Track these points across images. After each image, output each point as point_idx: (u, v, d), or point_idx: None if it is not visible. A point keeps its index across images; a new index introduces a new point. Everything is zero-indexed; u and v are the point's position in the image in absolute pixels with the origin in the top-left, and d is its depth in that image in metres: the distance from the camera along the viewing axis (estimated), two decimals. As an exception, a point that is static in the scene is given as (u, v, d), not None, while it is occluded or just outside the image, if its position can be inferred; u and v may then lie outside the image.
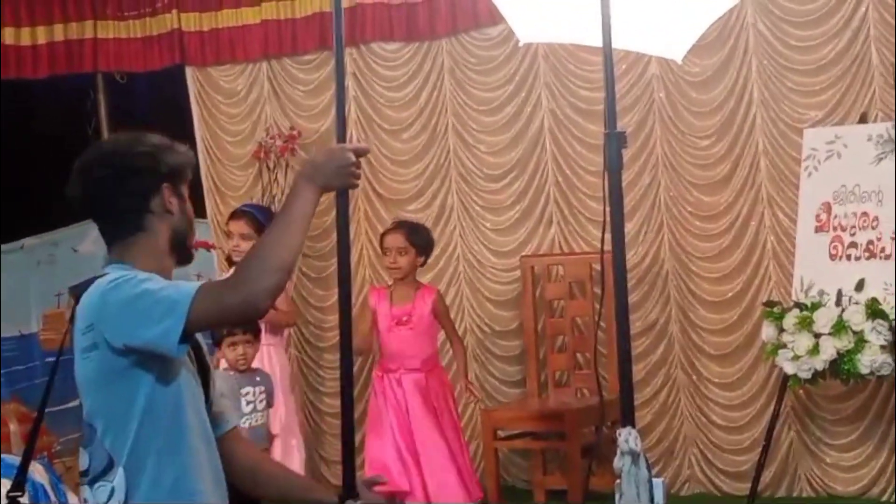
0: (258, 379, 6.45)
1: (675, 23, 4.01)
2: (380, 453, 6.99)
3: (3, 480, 7.32)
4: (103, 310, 3.20)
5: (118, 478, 3.26)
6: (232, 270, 7.11)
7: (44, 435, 8.60)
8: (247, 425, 6.27)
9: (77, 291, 3.32)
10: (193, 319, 3.11)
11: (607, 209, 3.79)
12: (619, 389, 3.78)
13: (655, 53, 4.36)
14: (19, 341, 8.70)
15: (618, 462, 3.77)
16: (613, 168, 3.70)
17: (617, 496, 3.83)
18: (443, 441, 6.88)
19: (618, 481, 3.82)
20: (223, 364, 6.55)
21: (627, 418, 3.79)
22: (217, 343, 6.37)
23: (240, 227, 7.17)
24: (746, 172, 7.36)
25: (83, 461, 3.32)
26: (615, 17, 3.75)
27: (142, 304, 3.16)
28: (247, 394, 6.30)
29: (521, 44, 4.66)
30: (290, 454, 7.12)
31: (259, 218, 7.29)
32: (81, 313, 3.27)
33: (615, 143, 3.69)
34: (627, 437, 3.74)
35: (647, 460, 3.77)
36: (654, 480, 3.78)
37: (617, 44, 3.78)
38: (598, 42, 3.79)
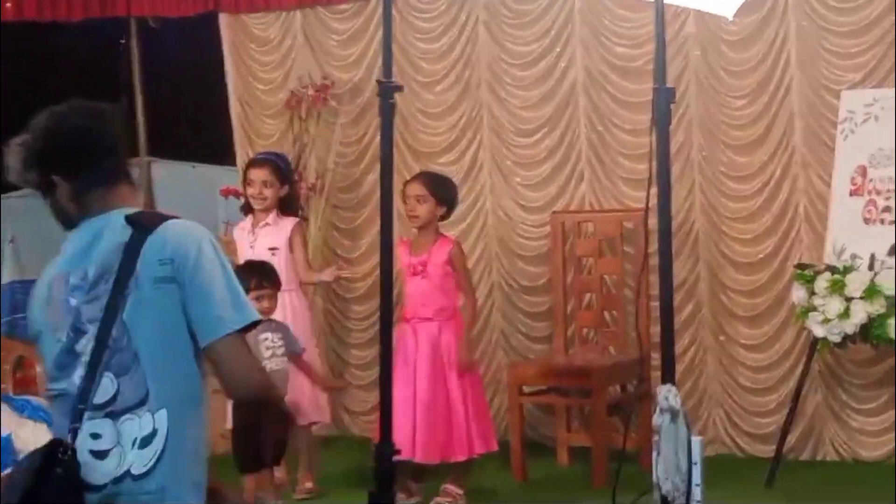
0: (274, 325, 6.45)
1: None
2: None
3: (26, 420, 7.37)
4: (195, 256, 3.30)
5: (160, 416, 3.24)
6: (249, 220, 7.12)
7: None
8: (267, 369, 6.29)
9: (139, 220, 3.32)
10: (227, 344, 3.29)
11: (653, 163, 3.74)
12: (660, 345, 3.75)
13: (707, 9, 4.31)
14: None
15: (657, 419, 3.76)
16: (662, 123, 3.66)
17: (654, 453, 3.82)
18: (443, 396, 6.82)
19: (655, 438, 3.81)
20: None
21: (668, 375, 3.78)
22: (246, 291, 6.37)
23: (262, 174, 7.10)
24: (781, 134, 7.32)
25: (105, 389, 3.25)
26: (667, -29, 3.71)
27: (227, 284, 3.37)
28: (265, 339, 6.32)
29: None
30: (320, 403, 7.15)
31: (281, 165, 7.25)
32: (161, 245, 3.29)
33: (664, 97, 3.66)
34: (667, 394, 3.73)
35: (686, 418, 3.75)
36: (693, 439, 3.77)
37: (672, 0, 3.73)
38: (648, -4, 3.74)
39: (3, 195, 8.30)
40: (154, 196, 9.10)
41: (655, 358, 7.50)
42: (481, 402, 7.00)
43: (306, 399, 6.93)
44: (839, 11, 7.13)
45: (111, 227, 3.31)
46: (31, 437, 7.42)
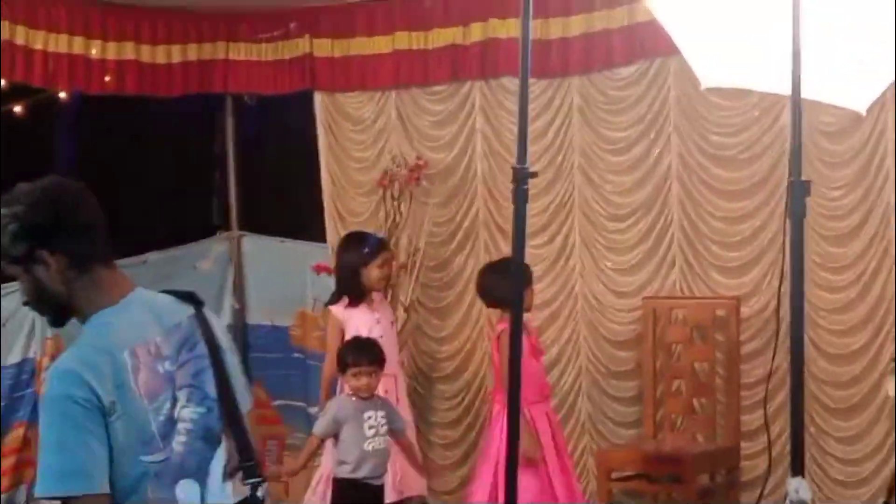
0: (379, 403, 6.52)
1: (862, 74, 4.00)
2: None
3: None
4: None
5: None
6: (348, 310, 7.24)
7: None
8: (370, 448, 6.33)
9: (192, 296, 3.47)
10: None
11: (786, 257, 3.75)
12: (790, 437, 3.75)
13: (839, 104, 4.34)
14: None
15: (787, 511, 3.75)
16: (796, 215, 3.68)
17: (782, 545, 3.80)
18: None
19: (784, 530, 3.80)
20: (346, 389, 6.63)
21: (796, 467, 3.77)
22: (343, 370, 6.48)
23: (391, 256, 7.55)
24: (877, 225, 7.31)
25: (227, 454, 3.39)
26: (803, 65, 3.74)
27: None
28: (369, 418, 6.37)
29: (702, 88, 4.66)
30: (417, 475, 7.22)
31: None
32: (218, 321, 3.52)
33: (800, 191, 3.68)
34: (798, 487, 3.72)
35: (815, 511, 3.74)
36: (821, 531, 3.76)
37: (802, 93, 3.76)
38: (783, 90, 3.77)
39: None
40: (244, 270, 9.18)
41: (745, 447, 7.53)
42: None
43: (409, 471, 7.01)
44: (938, 105, 7.13)
45: (159, 302, 3.36)
46: None
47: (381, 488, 6.41)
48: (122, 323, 3.26)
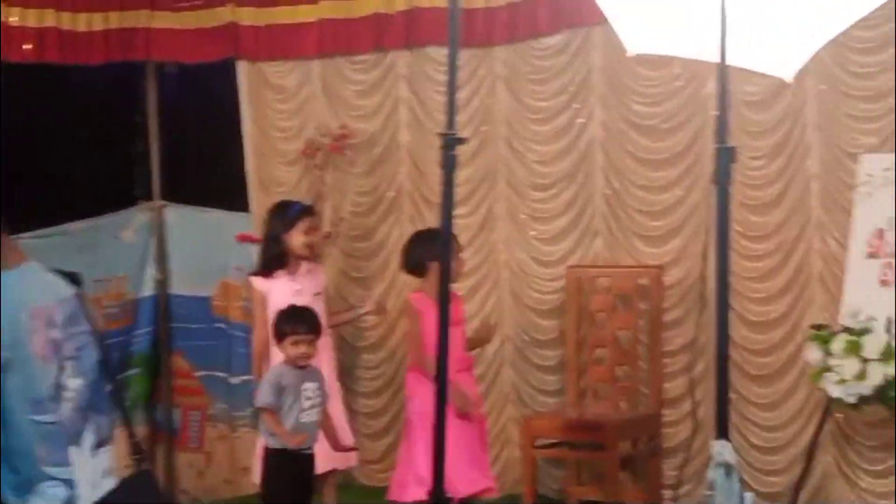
0: (315, 374, 6.50)
1: (788, 42, 4.04)
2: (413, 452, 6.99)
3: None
4: None
5: None
6: (282, 271, 7.19)
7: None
8: (305, 421, 6.31)
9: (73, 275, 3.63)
10: None
11: (712, 223, 3.79)
12: (715, 401, 3.79)
13: (766, 71, 4.38)
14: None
15: (711, 473, 3.80)
16: (722, 182, 3.72)
17: (707, 507, 3.85)
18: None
19: (708, 493, 3.85)
20: (279, 358, 6.60)
21: (722, 431, 3.82)
22: (280, 338, 6.42)
23: (317, 221, 7.45)
24: (797, 195, 7.40)
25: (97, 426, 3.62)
26: (729, 33, 3.77)
27: None
28: (306, 390, 6.35)
29: (628, 54, 4.68)
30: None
31: None
32: None
33: (726, 157, 3.72)
34: (722, 450, 3.76)
35: (739, 474, 3.79)
36: (745, 495, 3.82)
37: (729, 60, 3.79)
38: (709, 57, 3.81)
39: (15, 235, 8.28)
40: (166, 240, 9.11)
41: (666, 414, 7.61)
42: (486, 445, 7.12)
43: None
44: (858, 77, 7.22)
45: (50, 275, 3.58)
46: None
47: (312, 457, 6.41)
48: (21, 286, 3.48)
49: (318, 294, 7.25)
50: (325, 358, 7.07)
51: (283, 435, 6.24)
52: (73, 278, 3.58)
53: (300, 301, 6.92)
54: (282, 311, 6.63)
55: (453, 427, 6.72)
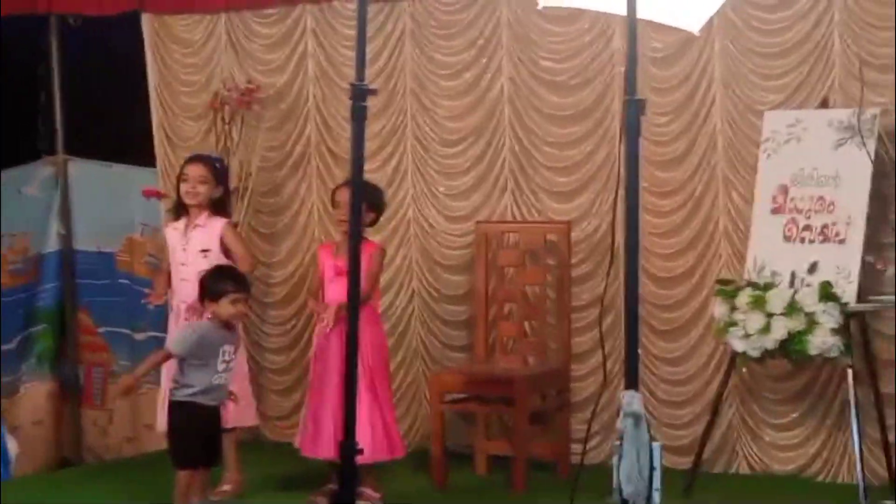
0: (234, 339, 6.44)
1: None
2: (315, 406, 6.97)
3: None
4: None
5: None
6: (182, 221, 7.10)
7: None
8: (217, 382, 6.27)
9: None
10: None
11: (622, 173, 3.81)
12: (625, 351, 3.82)
13: (673, 24, 4.40)
14: (-38, 281, 8.61)
15: (620, 423, 3.83)
16: (631, 134, 3.74)
17: (615, 458, 3.88)
18: (365, 396, 6.85)
19: (616, 442, 3.88)
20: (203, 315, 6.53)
21: (631, 381, 3.85)
22: (216, 296, 6.31)
23: (198, 171, 7.08)
24: (703, 151, 7.44)
25: None
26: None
27: None
28: (224, 352, 6.30)
29: (539, 7, 4.68)
30: (248, 406, 7.18)
31: (217, 166, 7.26)
32: None
33: (634, 109, 3.73)
34: (631, 400, 3.80)
35: (648, 423, 3.82)
36: (654, 444, 3.85)
37: (637, 13, 3.80)
38: (619, 10, 3.82)
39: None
40: (70, 195, 9.01)
41: (575, 369, 7.66)
42: (391, 406, 7.06)
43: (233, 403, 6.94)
44: (763, 33, 7.27)
45: None
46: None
47: (217, 409, 6.39)
48: None
49: (205, 251, 7.03)
50: None
51: (126, 383, 6.33)
52: None
53: (181, 257, 6.89)
54: (216, 269, 6.58)
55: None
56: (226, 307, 6.29)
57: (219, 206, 7.13)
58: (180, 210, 7.14)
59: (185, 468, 6.25)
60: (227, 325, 6.33)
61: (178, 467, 6.27)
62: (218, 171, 7.18)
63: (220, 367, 6.26)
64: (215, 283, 6.37)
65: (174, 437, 6.31)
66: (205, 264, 6.91)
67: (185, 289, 6.92)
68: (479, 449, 7.66)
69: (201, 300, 6.42)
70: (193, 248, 7.02)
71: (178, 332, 6.54)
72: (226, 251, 7.02)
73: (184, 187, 7.08)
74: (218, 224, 7.08)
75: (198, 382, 6.21)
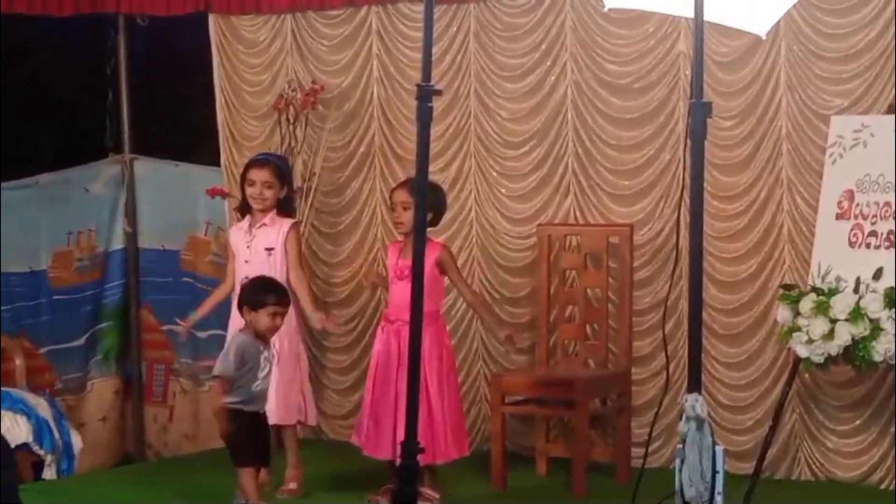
0: (266, 343, 6.47)
1: (762, -2, 4.05)
2: (375, 406, 6.98)
3: (5, 412, 7.38)
4: None
5: None
6: (247, 220, 7.15)
7: (46, 372, 8.64)
8: (258, 390, 6.32)
9: None
10: None
11: (687, 177, 3.81)
12: (688, 354, 3.81)
13: (740, 27, 4.39)
14: (28, 277, 8.69)
15: (682, 427, 3.83)
16: (697, 137, 3.73)
17: (677, 461, 3.88)
18: (425, 398, 6.86)
19: (679, 446, 3.87)
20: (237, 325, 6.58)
21: (694, 384, 3.84)
22: (257, 306, 6.34)
23: (263, 174, 7.14)
24: (768, 155, 7.41)
25: None
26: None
27: None
28: (263, 361, 6.35)
29: (605, 9, 4.68)
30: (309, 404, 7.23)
31: (281, 167, 7.31)
32: None
33: (700, 112, 3.73)
34: (694, 403, 3.79)
35: (711, 427, 3.81)
36: (717, 448, 3.84)
37: (704, 16, 3.80)
38: (685, 12, 3.81)
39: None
40: (136, 193, 9.09)
41: (635, 372, 7.64)
42: (459, 407, 7.07)
43: (292, 399, 7.01)
44: (829, 38, 7.22)
45: None
46: (11, 427, 7.46)
47: (265, 415, 6.46)
48: None
49: (269, 249, 7.10)
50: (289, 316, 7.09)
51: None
52: None
53: (245, 254, 6.93)
54: (261, 279, 6.61)
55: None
56: (264, 319, 6.30)
57: (285, 206, 7.20)
58: (246, 209, 7.20)
59: (246, 466, 6.30)
60: (262, 336, 6.36)
61: (239, 465, 6.33)
62: (283, 172, 7.24)
63: (261, 374, 6.31)
64: (257, 293, 6.39)
65: (228, 441, 6.38)
66: (268, 263, 6.97)
67: None
68: (539, 451, 7.66)
69: (240, 307, 6.45)
70: (258, 245, 7.09)
71: (219, 359, 6.49)
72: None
73: (250, 191, 7.14)
74: (285, 224, 7.16)
75: (241, 393, 6.27)
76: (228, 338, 6.72)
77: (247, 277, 6.95)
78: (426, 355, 6.79)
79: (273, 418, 6.89)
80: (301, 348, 7.34)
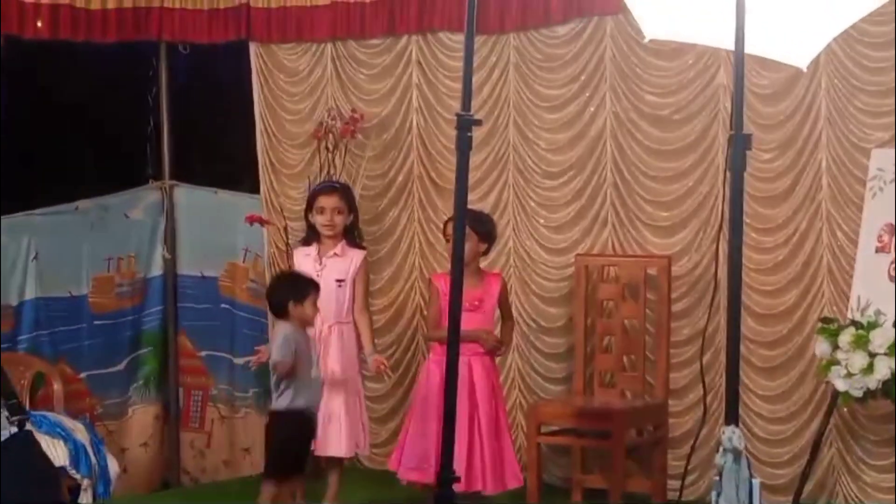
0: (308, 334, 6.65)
1: (803, 30, 4.05)
2: (422, 438, 6.99)
3: (42, 436, 7.41)
4: None
5: None
6: (314, 247, 7.19)
7: (86, 397, 8.68)
8: (314, 376, 6.43)
9: None
10: None
11: (726, 209, 3.80)
12: (725, 387, 3.80)
13: (781, 59, 4.39)
14: (69, 302, 8.74)
15: (719, 459, 3.82)
16: (737, 168, 3.73)
17: (714, 493, 3.87)
18: (504, 424, 7.05)
19: (716, 478, 3.86)
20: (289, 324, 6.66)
21: (731, 416, 3.83)
22: (302, 298, 6.46)
23: (333, 201, 7.27)
24: (807, 188, 7.39)
25: None
26: (746, 20, 3.78)
27: None
28: (314, 350, 6.49)
29: (645, 40, 4.69)
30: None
31: (349, 193, 7.48)
32: None
33: (741, 143, 3.73)
34: (731, 435, 3.78)
35: (748, 459, 3.80)
36: (752, 481, 3.83)
37: (746, 48, 3.80)
38: (726, 44, 3.81)
39: (26, 212, 8.37)
40: (175, 220, 9.14)
41: (672, 404, 7.62)
42: (509, 438, 7.11)
43: (353, 432, 7.04)
44: (870, 71, 7.20)
45: None
46: (48, 451, 7.48)
47: (314, 416, 6.53)
48: None
49: (340, 281, 7.19)
50: (347, 346, 7.15)
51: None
52: None
53: (321, 282, 7.00)
54: (288, 274, 6.77)
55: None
56: (310, 308, 6.52)
57: (352, 234, 7.27)
58: (311, 237, 7.26)
59: (277, 477, 6.35)
60: (306, 327, 6.50)
61: (270, 476, 6.36)
62: (350, 198, 7.39)
63: (314, 362, 6.41)
64: (298, 286, 6.56)
65: (274, 447, 6.41)
66: (336, 294, 7.06)
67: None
68: (575, 482, 7.65)
69: (283, 305, 6.51)
70: (329, 276, 7.16)
71: (275, 348, 6.57)
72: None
73: (320, 219, 7.22)
74: (357, 256, 7.28)
75: (299, 382, 6.35)
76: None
77: None
78: (481, 384, 6.88)
79: (331, 450, 6.95)
80: (359, 380, 7.38)
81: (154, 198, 9.12)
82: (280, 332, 6.60)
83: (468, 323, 6.82)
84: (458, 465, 6.44)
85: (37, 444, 3.52)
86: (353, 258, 7.24)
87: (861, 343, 6.64)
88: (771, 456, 7.49)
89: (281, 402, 6.41)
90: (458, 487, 5.97)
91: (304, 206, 7.51)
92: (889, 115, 7.16)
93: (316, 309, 6.57)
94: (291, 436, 6.36)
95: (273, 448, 6.45)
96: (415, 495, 7.00)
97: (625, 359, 7.72)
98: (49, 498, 3.49)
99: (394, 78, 8.38)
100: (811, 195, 7.38)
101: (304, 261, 7.28)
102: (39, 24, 8.25)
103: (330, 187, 7.41)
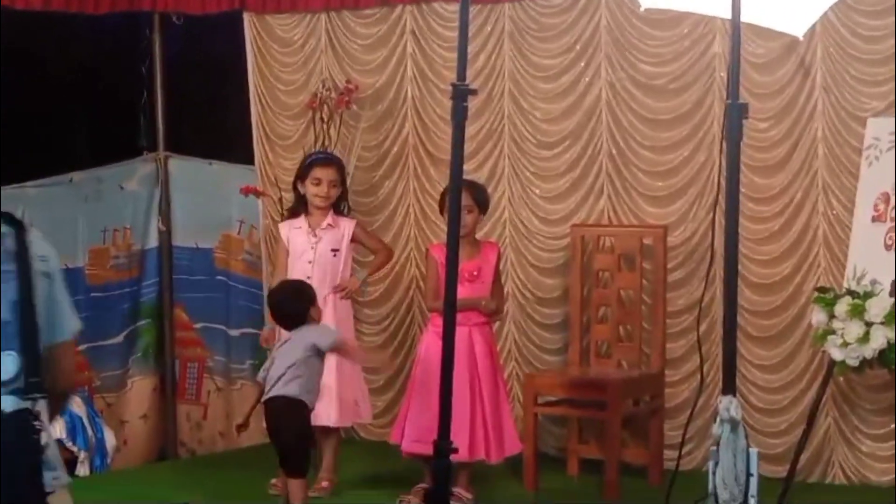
0: None
1: (800, -1, 4.03)
2: (427, 410, 6.97)
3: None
4: (56, 260, 3.80)
5: None
6: (303, 219, 7.17)
7: (84, 370, 8.66)
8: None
9: (14, 218, 3.66)
10: None
11: (722, 179, 3.79)
12: (723, 356, 3.79)
13: (777, 28, 4.37)
14: (65, 275, 8.68)
15: (717, 429, 3.81)
16: (733, 138, 3.71)
17: (711, 463, 3.87)
18: (503, 392, 7.05)
19: (713, 448, 3.86)
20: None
21: (729, 387, 3.82)
22: (313, 301, 6.56)
23: (330, 173, 7.27)
24: (803, 157, 7.38)
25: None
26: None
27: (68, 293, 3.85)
28: None
29: (641, 9, 4.66)
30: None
31: (343, 165, 7.48)
32: (38, 243, 3.70)
33: (737, 113, 3.71)
34: (728, 406, 3.77)
35: (745, 429, 3.80)
36: (751, 450, 3.82)
37: (741, 17, 3.78)
38: (722, 13, 3.79)
39: (19, 184, 8.34)
40: (170, 191, 9.12)
41: (669, 374, 7.62)
42: (507, 405, 7.13)
43: (349, 399, 7.04)
44: (866, 39, 7.19)
45: None
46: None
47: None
48: None
49: (335, 250, 7.21)
50: (343, 315, 7.16)
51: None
52: (12, 219, 3.60)
53: (310, 255, 6.98)
54: (290, 284, 6.81)
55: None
56: (319, 309, 6.50)
57: (338, 206, 7.27)
58: (299, 208, 7.24)
59: (305, 476, 6.38)
60: None
61: (303, 474, 6.35)
62: (344, 170, 7.42)
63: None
64: (306, 291, 6.58)
65: (299, 444, 6.38)
66: (332, 263, 7.08)
67: None
68: (571, 452, 7.65)
69: (305, 312, 6.49)
70: (324, 247, 7.18)
71: (324, 332, 6.57)
72: (358, 248, 7.35)
73: (315, 190, 7.20)
74: (348, 225, 7.30)
75: (317, 384, 6.37)
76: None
77: (309, 277, 7.03)
78: (481, 353, 6.88)
79: (327, 419, 6.94)
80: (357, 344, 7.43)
81: (149, 169, 9.10)
82: (323, 325, 6.70)
83: (466, 293, 6.84)
84: (461, 436, 6.54)
85: (37, 424, 3.52)
86: (345, 227, 7.27)
87: (857, 312, 6.63)
88: (767, 425, 7.50)
89: (310, 399, 6.39)
90: (461, 457, 6.06)
91: None
92: (885, 83, 7.15)
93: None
94: (306, 425, 6.38)
95: (298, 445, 6.39)
96: (413, 467, 7.00)
97: (621, 329, 7.71)
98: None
99: (388, 48, 8.34)
100: (807, 164, 7.37)
101: (296, 234, 7.25)
102: (34, -6, 8.20)
103: (327, 159, 7.38)
